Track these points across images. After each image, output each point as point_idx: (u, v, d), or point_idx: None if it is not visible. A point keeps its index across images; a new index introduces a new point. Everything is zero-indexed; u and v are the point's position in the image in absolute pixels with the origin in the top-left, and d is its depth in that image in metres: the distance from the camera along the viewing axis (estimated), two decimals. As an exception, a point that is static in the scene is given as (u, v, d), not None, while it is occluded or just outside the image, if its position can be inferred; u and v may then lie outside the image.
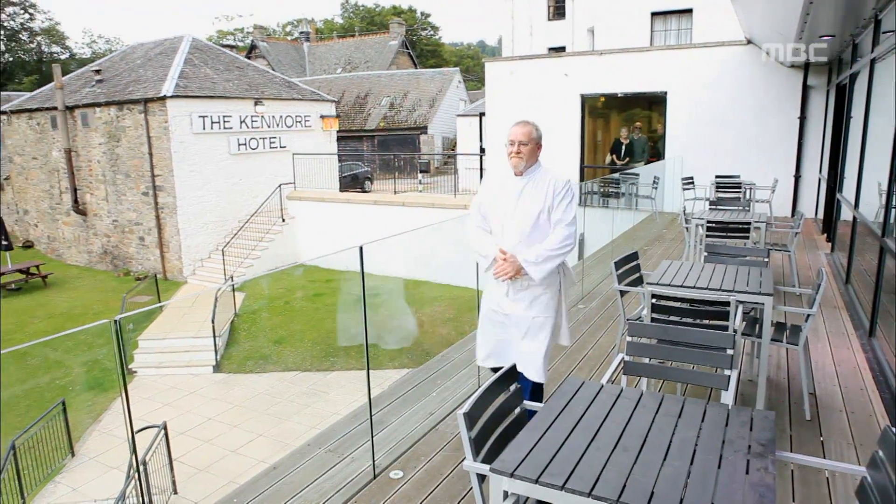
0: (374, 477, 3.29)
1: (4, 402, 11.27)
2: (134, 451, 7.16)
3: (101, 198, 17.79)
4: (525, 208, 3.12)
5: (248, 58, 33.12)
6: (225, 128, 16.94)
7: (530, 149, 3.13)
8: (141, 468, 7.90)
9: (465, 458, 2.17)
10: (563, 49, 21.04)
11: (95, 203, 17.98)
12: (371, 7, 57.32)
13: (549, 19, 23.25)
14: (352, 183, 21.54)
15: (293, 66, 38.06)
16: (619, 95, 12.74)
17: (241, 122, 17.32)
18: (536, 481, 1.81)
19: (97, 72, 18.86)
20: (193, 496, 8.46)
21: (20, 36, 45.99)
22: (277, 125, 18.42)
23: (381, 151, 27.41)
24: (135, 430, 8.77)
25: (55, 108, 18.04)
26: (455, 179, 16.78)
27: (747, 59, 11.15)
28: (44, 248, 19.90)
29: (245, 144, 17.43)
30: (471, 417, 2.11)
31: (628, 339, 3.11)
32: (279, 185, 17.55)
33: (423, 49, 51.66)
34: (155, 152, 16.13)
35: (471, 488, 3.26)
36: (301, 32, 47.52)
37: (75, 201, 18.19)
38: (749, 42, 11.05)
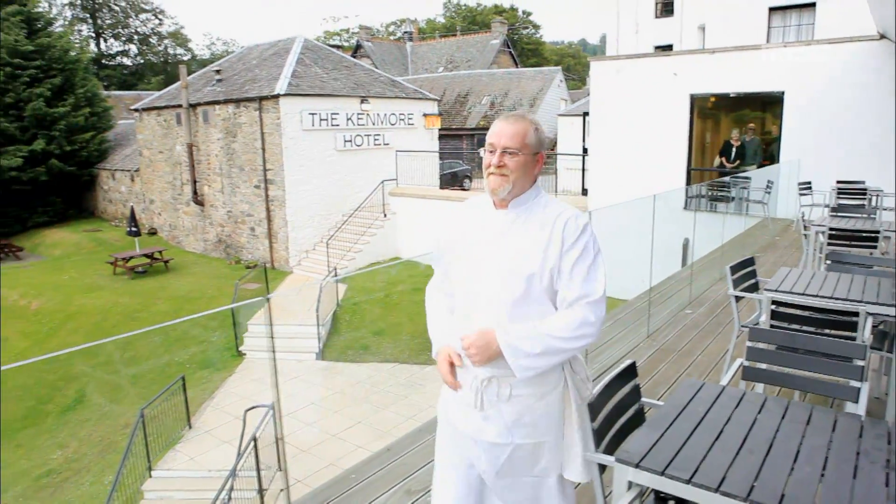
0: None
1: (135, 375, 12.31)
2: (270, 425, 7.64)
3: (217, 190, 19.00)
4: (510, 264, 1.86)
5: (354, 57, 34.24)
6: (332, 125, 17.65)
7: (522, 162, 1.87)
8: (251, 444, 8.46)
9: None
10: (669, 47, 20.40)
11: (212, 194, 19.23)
12: (473, 6, 57.67)
13: (657, 17, 22.58)
14: (451, 181, 21.84)
15: (396, 66, 38.96)
16: (731, 95, 12.23)
17: (348, 120, 17.98)
18: (662, 473, 1.85)
19: (217, 72, 20.14)
20: (297, 474, 8.92)
21: (150, 40, 49.69)
22: (382, 123, 18.98)
23: (479, 148, 27.63)
24: (245, 408, 9.38)
25: (180, 106, 19.44)
26: (554, 179, 16.67)
27: (878, 55, 10.41)
28: (166, 236, 21.48)
29: (350, 141, 18.09)
30: (593, 409, 2.17)
31: (748, 344, 3.04)
32: (382, 182, 18.08)
33: (524, 48, 51.46)
34: (267, 147, 17.05)
35: (577, 484, 3.31)
36: (404, 32, 48.54)
37: (194, 192, 19.54)
38: (882, 37, 10.31)
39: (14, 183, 22.36)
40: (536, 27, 57.19)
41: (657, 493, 2.11)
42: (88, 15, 46.39)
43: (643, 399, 2.59)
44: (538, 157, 1.95)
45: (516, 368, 1.84)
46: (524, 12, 56.80)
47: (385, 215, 17.63)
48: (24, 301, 16.07)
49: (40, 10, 26.26)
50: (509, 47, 40.08)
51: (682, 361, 4.77)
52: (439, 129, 21.72)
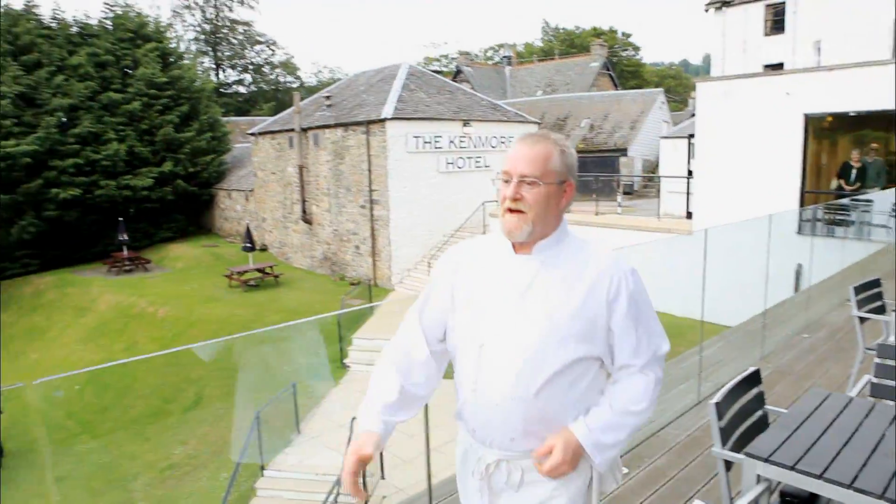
0: (598, 470, 3.50)
1: (248, 380, 13.12)
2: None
3: (324, 209, 20.00)
4: (540, 326, 1.53)
5: (454, 82, 35.11)
6: (435, 147, 18.23)
7: (544, 194, 1.54)
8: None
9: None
10: (780, 66, 19.64)
11: (320, 213, 20.26)
12: (571, 29, 57.69)
13: (766, 34, 21.82)
14: (549, 203, 21.87)
15: (494, 90, 39.56)
16: (851, 114, 11.69)
17: (450, 143, 18.51)
18: (793, 468, 1.93)
19: (328, 98, 21.30)
20: (397, 483, 9.23)
21: (263, 69, 53.04)
22: (483, 145, 19.39)
23: (579, 173, 27.53)
24: (350, 417, 9.82)
25: (292, 130, 20.69)
26: (658, 203, 16.40)
27: None
28: (275, 252, 22.76)
29: (453, 163, 18.60)
30: (720, 408, 2.27)
31: (877, 360, 3.02)
32: (483, 203, 18.42)
33: (623, 70, 50.85)
34: (373, 169, 17.83)
35: (693, 495, 3.36)
36: (503, 57, 49.25)
37: (304, 211, 20.66)
38: None
39: (145, 201, 24.49)
40: (636, 49, 56.40)
41: (783, 493, 2.18)
42: (210, 48, 50.12)
43: (767, 406, 2.64)
44: (565, 186, 1.58)
45: (600, 463, 1.58)
46: (624, 34, 56.16)
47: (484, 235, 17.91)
48: (151, 308, 17.50)
49: (173, 46, 28.74)
50: (609, 70, 39.78)
51: (800, 384, 4.67)
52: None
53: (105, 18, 26.80)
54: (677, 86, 54.17)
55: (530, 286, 1.56)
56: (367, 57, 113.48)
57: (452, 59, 54.29)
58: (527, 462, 1.60)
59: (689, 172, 17.44)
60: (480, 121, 19.50)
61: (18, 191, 21.98)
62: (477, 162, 19.30)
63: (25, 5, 24.79)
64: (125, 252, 22.30)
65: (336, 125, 19.05)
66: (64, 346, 17.07)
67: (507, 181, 1.57)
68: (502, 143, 19.97)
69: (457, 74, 40.83)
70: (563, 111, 31.92)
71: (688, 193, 16.48)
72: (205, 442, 12.12)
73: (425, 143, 18.06)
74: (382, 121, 17.45)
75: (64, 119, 23.28)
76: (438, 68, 52.14)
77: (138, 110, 24.71)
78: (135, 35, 26.25)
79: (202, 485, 10.75)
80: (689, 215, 15.39)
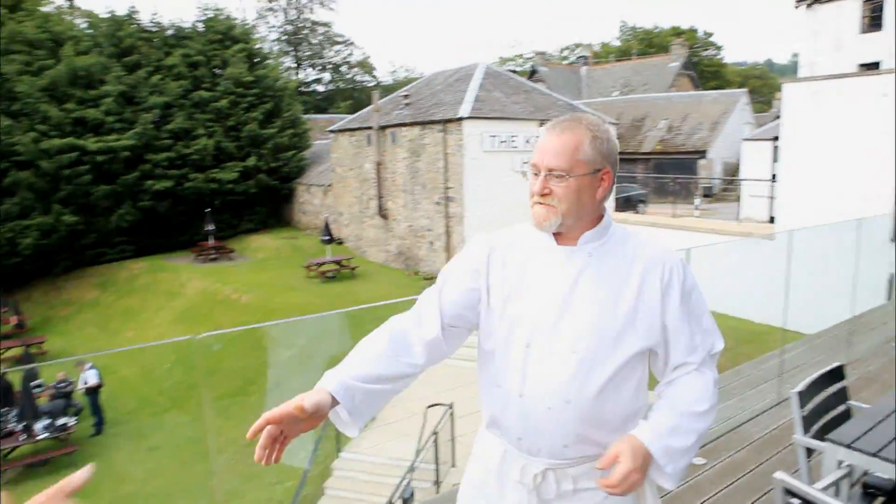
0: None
1: (328, 365, 13.67)
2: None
3: (400, 205, 20.51)
4: (594, 324, 1.45)
5: (529, 80, 35.10)
6: (511, 147, 18.39)
7: (574, 187, 1.46)
8: (431, 438, 9.17)
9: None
10: (875, 66, 18.74)
11: (395, 209, 20.78)
12: (650, 29, 56.44)
13: (863, 32, 20.82)
14: (625, 205, 21.66)
15: (570, 90, 39.25)
16: (954, 118, 11.11)
17: (526, 142, 18.62)
18: (875, 454, 2.04)
19: (406, 96, 21.79)
20: (468, 472, 9.46)
21: (341, 68, 54.46)
22: (558, 145, 19.39)
23: (655, 175, 27.03)
24: (426, 405, 10.14)
25: (370, 128, 21.28)
26: (738, 206, 16.02)
27: None
28: (351, 246, 23.47)
29: (528, 162, 18.64)
30: (802, 397, 2.39)
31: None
32: (556, 202, 18.46)
33: (703, 70, 49.38)
34: (449, 167, 18.16)
35: (770, 489, 3.44)
36: (579, 57, 48.73)
37: (380, 207, 21.24)
38: None
39: (230, 194, 25.73)
40: (718, 48, 54.64)
41: (866, 485, 2.27)
42: (292, 48, 51.85)
43: (850, 402, 2.72)
44: (601, 175, 1.48)
45: (672, 475, 1.43)
46: (705, 33, 54.51)
47: (557, 235, 17.96)
48: (235, 295, 18.43)
49: (258, 47, 30.02)
50: (689, 70, 38.78)
51: (887, 391, 4.62)
52: (614, 153, 21.69)
53: (198, 21, 28.27)
54: (762, 86, 52.15)
55: (578, 280, 1.46)
56: (441, 57, 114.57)
57: (528, 58, 54.12)
58: (576, 470, 1.49)
59: (773, 176, 16.91)
60: (556, 121, 19.48)
61: (118, 182, 23.54)
62: (552, 162, 19.30)
63: (128, 11, 26.44)
64: (211, 241, 23.52)
65: (413, 123, 19.49)
66: (156, 327, 18.21)
67: (536, 174, 1.49)
68: (578, 143, 19.89)
69: (532, 74, 40.75)
70: (640, 112, 31.39)
71: (771, 197, 16.01)
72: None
73: (501, 142, 18.25)
74: (459, 120, 17.75)
75: (159, 116, 24.75)
76: (513, 68, 52.10)
77: (226, 108, 25.96)
78: (224, 37, 27.58)
79: (281, 464, 11.31)
80: (772, 220, 14.97)
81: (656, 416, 1.47)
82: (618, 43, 58.46)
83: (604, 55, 53.75)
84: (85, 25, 26.82)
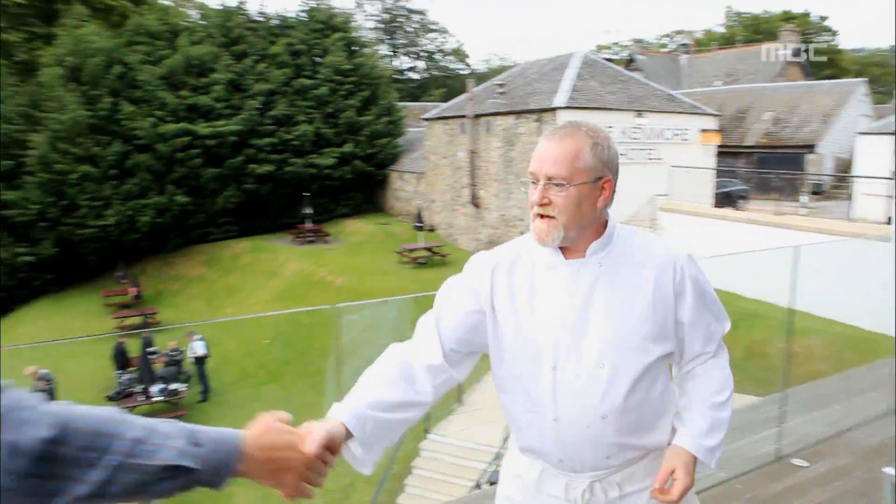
0: (777, 459, 3.60)
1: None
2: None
3: (492, 194, 20.63)
4: (617, 338, 1.45)
5: (626, 70, 34.22)
6: (606, 138, 18.06)
7: (574, 196, 1.43)
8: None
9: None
10: None
11: (487, 198, 20.92)
12: (758, 14, 53.52)
13: None
14: (724, 200, 20.82)
15: (668, 79, 37.95)
16: None
17: (622, 133, 18.25)
18: None
19: (500, 85, 21.81)
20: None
21: (435, 56, 54.98)
22: (656, 137, 18.90)
23: (758, 169, 25.79)
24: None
25: (465, 116, 21.46)
26: (849, 205, 15.08)
27: None
28: (442, 233, 23.83)
29: (624, 154, 18.30)
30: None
31: None
32: (653, 196, 18.00)
33: (816, 58, 46.36)
34: (542, 157, 18.05)
35: (872, 498, 3.34)
36: (679, 45, 46.95)
37: (472, 195, 21.44)
38: None
39: (327, 179, 26.68)
40: (833, 33, 51.12)
41: None
42: (387, 36, 52.80)
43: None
44: (602, 183, 1.45)
45: (715, 466, 1.55)
46: (819, 17, 51.10)
47: (652, 230, 17.54)
48: (329, 277, 19.17)
49: (357, 35, 30.83)
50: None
51: None
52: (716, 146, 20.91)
53: (301, 11, 29.36)
54: (884, 75, 48.42)
55: (592, 293, 1.45)
56: (535, 45, 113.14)
57: (625, 46, 52.69)
58: (620, 475, 1.51)
59: (894, 173, 15.79)
60: (654, 112, 18.99)
61: (224, 165, 24.93)
62: (649, 154, 18.84)
63: (238, 2, 27.81)
64: (308, 224, 24.50)
65: (508, 113, 19.51)
66: (256, 305, 19.24)
67: (534, 183, 1.45)
68: (676, 135, 19.30)
69: (629, 63, 39.68)
70: (744, 103, 29.96)
71: (889, 197, 14.97)
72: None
73: (596, 132, 17.96)
74: (554, 109, 17.62)
75: (263, 102, 25.95)
76: (609, 56, 50.88)
77: (325, 95, 26.87)
78: (325, 26, 28.49)
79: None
80: (889, 220, 14.01)
81: (690, 418, 1.52)
82: (722, 29, 55.84)
83: (706, 42, 51.47)
84: (198, 17, 28.43)
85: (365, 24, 50.22)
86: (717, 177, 20.96)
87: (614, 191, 1.49)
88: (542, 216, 1.43)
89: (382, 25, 52.40)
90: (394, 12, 52.33)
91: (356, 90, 27.71)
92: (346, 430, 1.34)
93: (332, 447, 1.26)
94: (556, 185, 1.41)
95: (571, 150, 1.42)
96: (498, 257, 1.57)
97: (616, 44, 56.14)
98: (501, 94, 21.24)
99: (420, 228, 20.54)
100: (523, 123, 18.86)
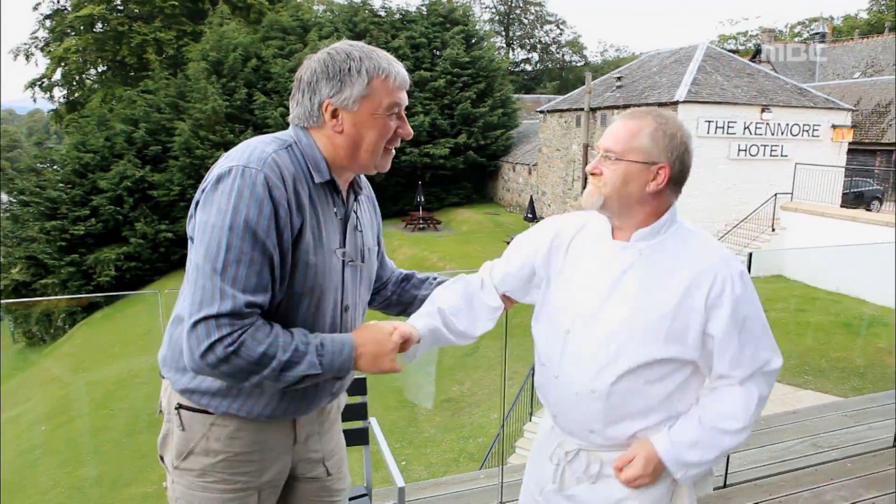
0: (894, 446, 3.69)
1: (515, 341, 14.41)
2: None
3: (604, 188, 20.51)
4: (626, 321, 1.47)
5: (752, 62, 32.55)
6: (728, 133, 17.54)
7: (623, 171, 1.45)
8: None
9: None
10: None
11: (599, 192, 20.82)
12: (910, -1, 48.87)
13: None
14: (855, 200, 19.59)
15: (800, 71, 35.73)
16: None
17: (745, 129, 17.62)
18: None
19: (618, 78, 21.58)
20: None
21: (550, 48, 54.58)
22: (782, 133, 18.08)
23: (898, 168, 23.92)
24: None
25: (581, 110, 21.44)
26: None
27: None
28: (551, 225, 23.96)
29: (745, 150, 17.72)
30: None
31: None
32: (775, 195, 17.29)
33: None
34: (659, 152, 17.77)
35: None
36: (814, 33, 43.92)
37: (583, 188, 21.41)
38: None
39: (440, 168, 27.48)
40: None
41: None
42: (503, 28, 52.99)
43: None
44: (656, 169, 1.44)
45: (683, 481, 1.52)
46: None
47: (773, 230, 16.87)
48: (441, 263, 19.88)
49: (475, 28, 31.37)
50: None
51: None
52: (848, 143, 19.67)
53: (421, 5, 30.26)
54: None
55: (623, 276, 1.48)
56: (655, 36, 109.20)
57: (752, 35, 49.95)
58: (607, 455, 1.54)
59: None
60: (782, 106, 18.15)
61: (345, 153, 26.30)
62: (773, 151, 18.07)
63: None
64: (420, 212, 25.40)
65: (625, 106, 19.32)
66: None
67: (599, 156, 1.52)
68: (806, 131, 18.35)
69: (756, 54, 37.66)
70: (887, 96, 27.73)
71: None
72: (479, 385, 13.69)
73: (717, 127, 17.47)
74: (674, 103, 17.29)
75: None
76: (735, 47, 48.44)
77: (442, 87, 27.64)
78: (444, 19, 29.24)
79: (475, 420, 12.26)
80: None
81: (682, 424, 1.49)
82: (866, 15, 51.55)
83: (846, 30, 47.79)
84: (327, 13, 30.03)
85: (481, 16, 50.75)
86: (849, 176, 19.73)
87: (674, 181, 1.47)
88: (591, 184, 1.50)
89: (498, 17, 52.66)
90: (511, 4, 52.42)
91: (472, 82, 28.28)
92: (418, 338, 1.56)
93: (405, 345, 1.49)
94: (609, 157, 1.46)
95: (632, 128, 1.46)
96: (564, 223, 1.65)
97: (743, 33, 53.30)
98: (619, 87, 21.03)
99: (531, 219, 20.82)
100: (640, 117, 18.61)
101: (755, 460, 3.49)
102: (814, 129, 18.48)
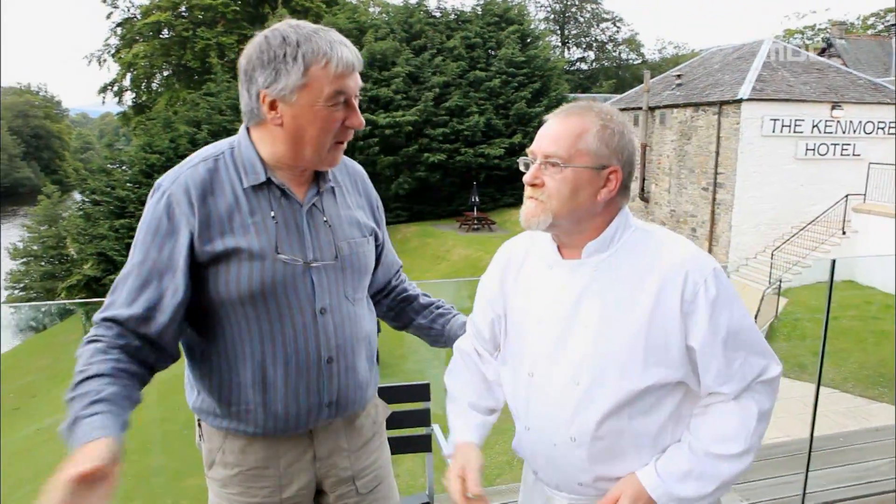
0: None
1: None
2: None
3: (664, 189, 20.04)
4: (592, 357, 1.26)
5: (821, 57, 31.23)
6: (795, 132, 16.83)
7: (570, 179, 1.24)
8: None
9: None
10: None
11: (658, 193, 20.36)
12: None
13: None
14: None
15: (875, 66, 34.04)
16: None
17: (814, 127, 16.88)
18: None
19: (678, 76, 21.02)
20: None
21: (606, 46, 53.70)
22: (854, 131, 17.23)
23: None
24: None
25: (639, 108, 20.98)
26: None
27: None
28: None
29: (814, 150, 16.96)
30: None
31: None
32: (846, 196, 16.50)
33: None
34: (721, 151, 17.26)
35: None
36: (890, 25, 41.78)
37: (641, 189, 20.98)
38: None
39: (495, 169, 27.37)
40: None
41: None
42: (558, 27, 52.44)
43: None
44: (607, 173, 1.24)
45: None
46: None
47: (844, 233, 16.09)
48: (495, 265, 19.79)
49: (531, 28, 31.14)
50: None
51: None
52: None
53: (476, 5, 30.21)
54: None
55: (581, 299, 1.27)
56: (716, 32, 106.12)
57: (821, 29, 47.89)
58: None
59: None
60: (854, 103, 17.30)
61: (400, 153, 26.50)
62: (844, 150, 17.24)
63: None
64: (475, 212, 25.35)
65: (685, 105, 18.81)
66: (424, 288, 20.36)
67: (532, 159, 1.29)
68: (881, 129, 17.44)
69: (825, 49, 36.11)
70: (970, 92, 26.14)
71: None
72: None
73: (784, 126, 16.79)
74: (738, 101, 16.72)
75: (437, 94, 27.16)
76: (802, 42, 46.58)
77: (497, 87, 27.53)
78: (500, 19, 29.12)
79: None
80: None
81: (671, 454, 1.27)
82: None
83: (924, 23, 45.25)
84: (383, 14, 30.32)
85: (536, 14, 50.35)
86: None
87: (624, 185, 1.28)
88: (532, 198, 1.27)
89: (553, 16, 52.14)
90: (566, 2, 51.83)
91: (528, 82, 28.07)
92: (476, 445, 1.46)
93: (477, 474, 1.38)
94: (552, 164, 1.24)
95: (575, 128, 1.24)
96: (511, 249, 1.46)
97: (810, 27, 51.20)
98: (679, 85, 20.48)
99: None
100: (702, 116, 18.09)
101: (836, 480, 3.30)
102: (889, 127, 17.54)
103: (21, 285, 29.22)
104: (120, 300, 1.28)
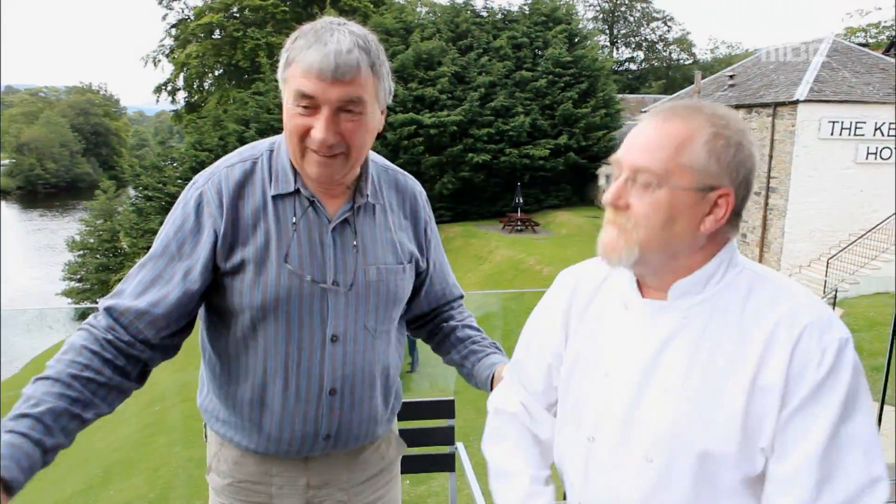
0: None
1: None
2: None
3: (712, 192, 19.48)
4: (673, 424, 0.98)
5: (886, 55, 29.92)
6: (855, 134, 16.12)
7: (665, 203, 0.95)
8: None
9: None
10: None
11: (706, 197, 19.80)
12: None
13: None
14: None
15: (942, 67, 32.46)
16: None
17: (876, 130, 16.13)
18: None
19: (731, 76, 20.41)
20: None
21: (656, 46, 52.68)
22: (921, 134, 16.44)
23: None
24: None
25: (689, 110, 20.43)
26: None
27: None
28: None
29: (876, 154, 16.20)
30: None
31: None
32: (911, 205, 15.76)
33: None
34: (775, 155, 16.66)
35: None
36: (961, 24, 39.80)
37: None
38: None
39: (540, 170, 27.11)
40: None
41: None
42: (607, 26, 51.68)
43: None
44: (715, 197, 0.96)
45: None
46: None
47: (903, 248, 15.36)
48: (538, 266, 19.57)
49: (580, 27, 30.74)
50: None
51: None
52: None
53: (524, 5, 29.98)
54: None
55: (663, 353, 1.00)
56: (772, 31, 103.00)
57: (886, 27, 45.91)
58: None
59: None
60: (921, 105, 16.51)
61: (444, 153, 26.48)
62: (910, 155, 16.47)
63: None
64: (518, 213, 25.15)
65: (738, 106, 18.23)
66: (466, 288, 20.17)
67: (618, 171, 1.02)
68: (950, 132, 16.61)
69: (891, 47, 34.58)
70: None
71: None
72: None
73: (843, 129, 16.10)
74: (794, 103, 16.11)
75: (483, 94, 27.04)
76: (865, 40, 44.75)
77: (543, 87, 27.25)
78: (547, 19, 28.83)
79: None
80: None
81: None
82: None
83: None
84: (430, 14, 30.36)
85: (585, 14, 49.72)
86: None
87: (736, 212, 0.99)
88: (613, 223, 1.00)
89: (602, 15, 51.41)
90: (616, 2, 51.04)
91: (574, 82, 27.70)
92: None
93: None
94: (643, 183, 0.97)
95: (678, 135, 0.96)
96: (580, 280, 1.18)
97: (874, 25, 49.11)
98: (731, 85, 19.90)
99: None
100: (755, 118, 17.51)
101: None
102: (959, 131, 16.67)
103: (78, 276, 30.30)
104: (129, 290, 1.22)
